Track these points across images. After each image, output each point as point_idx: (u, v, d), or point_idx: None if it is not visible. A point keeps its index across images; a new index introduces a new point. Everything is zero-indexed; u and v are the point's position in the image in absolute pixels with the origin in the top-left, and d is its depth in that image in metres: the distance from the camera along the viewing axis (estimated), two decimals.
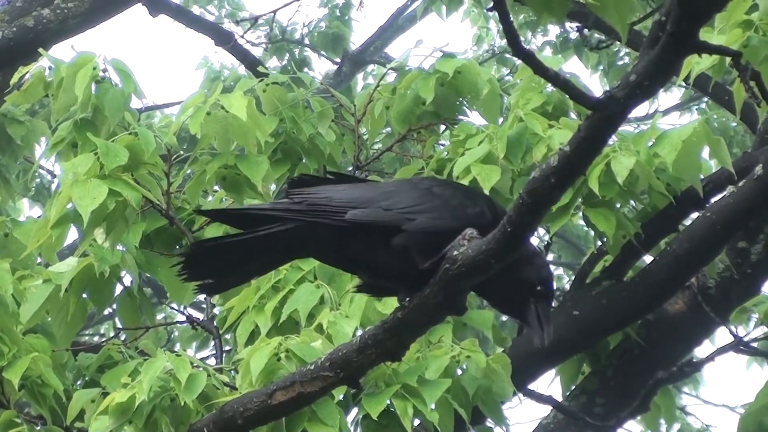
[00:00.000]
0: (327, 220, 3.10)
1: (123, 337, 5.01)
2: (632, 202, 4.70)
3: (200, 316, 5.15)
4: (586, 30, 7.24)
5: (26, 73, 4.84)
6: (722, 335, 5.91)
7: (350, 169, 5.33)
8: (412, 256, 3.05)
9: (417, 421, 4.04)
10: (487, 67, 8.40)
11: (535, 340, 3.08)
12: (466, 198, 3.17)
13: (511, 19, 2.67)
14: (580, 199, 4.51)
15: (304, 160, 5.06)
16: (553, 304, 3.25)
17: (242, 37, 8.04)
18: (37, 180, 9.06)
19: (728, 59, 4.34)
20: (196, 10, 10.06)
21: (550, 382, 5.05)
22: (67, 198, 4.26)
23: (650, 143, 4.55)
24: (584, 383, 4.94)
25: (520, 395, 4.74)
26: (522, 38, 2.64)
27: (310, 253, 3.38)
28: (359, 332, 3.78)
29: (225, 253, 3.21)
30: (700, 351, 5.30)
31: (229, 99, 4.57)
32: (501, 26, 2.70)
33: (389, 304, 4.09)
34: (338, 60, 10.41)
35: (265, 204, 3.24)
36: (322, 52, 10.41)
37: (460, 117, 5.08)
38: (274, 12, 7.83)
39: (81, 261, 4.48)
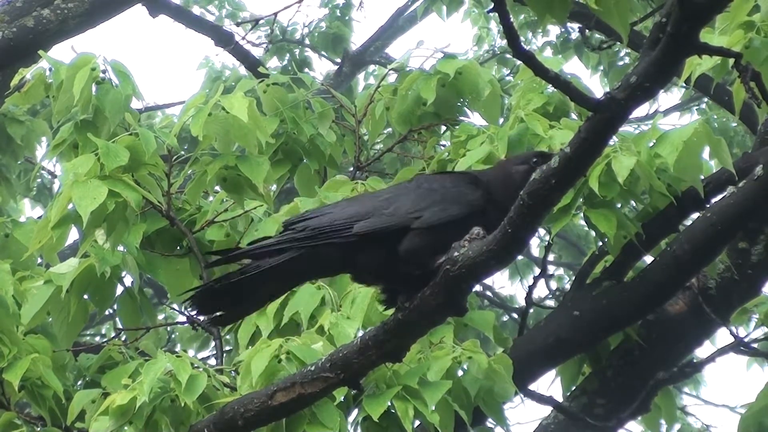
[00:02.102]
0: (336, 239, 3.12)
1: (124, 338, 5.01)
2: (633, 202, 4.70)
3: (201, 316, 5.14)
4: (587, 31, 7.25)
5: (26, 74, 4.85)
6: (723, 336, 5.92)
7: (351, 169, 5.33)
8: (422, 257, 3.05)
9: (417, 422, 4.04)
10: (487, 67, 8.41)
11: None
12: (461, 185, 3.20)
13: (512, 19, 2.67)
14: (581, 200, 4.51)
15: (304, 161, 5.06)
16: None
17: (243, 38, 8.03)
18: (38, 180, 9.06)
19: (731, 60, 4.34)
20: (196, 10, 10.07)
21: (550, 383, 5.05)
22: (67, 198, 4.25)
23: (651, 143, 4.54)
24: (585, 384, 4.94)
25: (521, 396, 4.74)
26: (522, 39, 2.64)
27: (316, 275, 3.40)
28: (360, 334, 3.78)
29: (234, 289, 3.23)
30: (701, 351, 5.29)
31: (230, 100, 4.57)
32: (501, 27, 2.70)
33: None
34: (339, 60, 10.41)
35: (270, 240, 3.27)
36: (323, 53, 10.41)
37: (461, 118, 5.08)
38: (275, 14, 7.82)
39: (82, 262, 4.48)
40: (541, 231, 5.11)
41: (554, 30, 8.89)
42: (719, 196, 4.65)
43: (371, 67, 10.60)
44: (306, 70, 9.99)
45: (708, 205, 4.65)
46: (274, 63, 10.12)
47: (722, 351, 5.06)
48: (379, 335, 3.19)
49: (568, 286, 8.39)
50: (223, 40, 7.84)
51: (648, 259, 4.77)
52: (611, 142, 4.32)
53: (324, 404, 3.84)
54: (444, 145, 5.15)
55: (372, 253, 3.12)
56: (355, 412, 4.09)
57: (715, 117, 9.38)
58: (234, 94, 4.62)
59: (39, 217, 5.22)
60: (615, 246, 4.59)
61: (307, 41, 10.32)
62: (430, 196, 3.16)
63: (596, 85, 9.40)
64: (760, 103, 4.19)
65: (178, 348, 6.56)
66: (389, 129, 5.44)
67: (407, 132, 5.11)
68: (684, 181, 4.60)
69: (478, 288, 7.60)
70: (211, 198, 5.02)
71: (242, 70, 9.24)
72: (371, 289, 4.16)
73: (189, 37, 27.15)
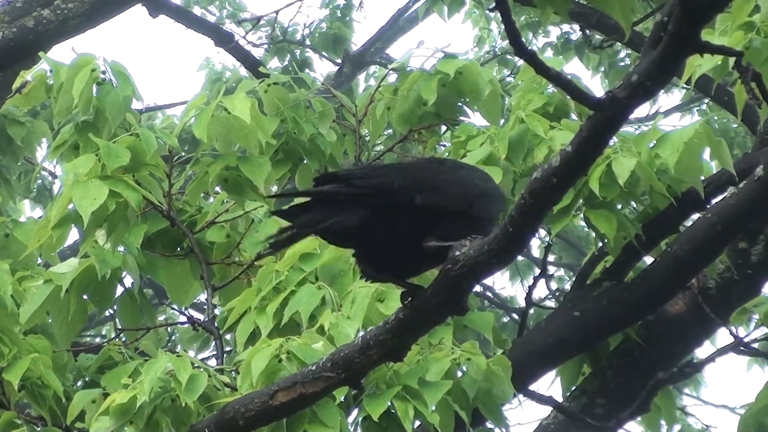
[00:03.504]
0: (386, 201, 2.97)
1: (123, 338, 5.01)
2: (633, 203, 4.70)
3: (201, 316, 5.15)
4: (587, 30, 7.25)
5: (27, 76, 4.86)
6: (723, 336, 5.92)
7: None
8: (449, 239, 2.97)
9: (417, 423, 4.04)
10: (488, 68, 8.42)
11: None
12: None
13: (513, 18, 2.67)
14: (581, 201, 4.51)
15: (305, 161, 5.06)
16: None
17: (243, 38, 8.04)
18: (39, 181, 9.06)
19: (731, 61, 4.35)
20: (197, 10, 10.08)
21: (550, 383, 5.05)
22: (67, 198, 4.26)
23: (651, 144, 4.54)
24: (584, 384, 4.94)
25: (521, 396, 4.74)
26: (523, 39, 2.62)
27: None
28: (361, 333, 3.78)
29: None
30: (701, 352, 5.29)
31: (232, 100, 4.57)
32: (503, 26, 2.70)
33: (391, 306, 4.10)
34: (339, 61, 10.42)
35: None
36: (324, 53, 10.42)
37: (462, 118, 5.08)
38: (276, 12, 7.84)
39: (82, 262, 4.48)
40: (542, 231, 5.12)
41: (555, 31, 8.91)
42: (720, 197, 4.66)
43: (372, 68, 10.61)
44: (306, 70, 9.99)
45: (708, 206, 4.65)
46: (274, 63, 10.12)
47: (722, 351, 5.05)
48: (380, 334, 3.18)
49: (568, 287, 8.39)
50: (224, 40, 7.85)
51: (648, 259, 4.78)
52: (612, 143, 4.33)
53: (325, 404, 3.83)
54: (444, 145, 5.15)
55: (398, 226, 3.00)
56: (355, 412, 4.09)
57: (716, 118, 9.39)
58: (236, 95, 4.62)
59: (39, 218, 5.22)
60: (615, 247, 4.59)
61: (307, 42, 10.32)
62: (478, 187, 3.08)
63: (597, 86, 9.41)
64: (760, 104, 4.20)
65: (178, 348, 6.56)
66: (390, 129, 5.44)
67: (408, 132, 5.11)
68: (684, 182, 4.60)
69: (478, 289, 7.60)
70: (211, 199, 5.02)
71: (243, 71, 9.24)
72: (371, 290, 4.16)
73: (189, 38, 27.20)
